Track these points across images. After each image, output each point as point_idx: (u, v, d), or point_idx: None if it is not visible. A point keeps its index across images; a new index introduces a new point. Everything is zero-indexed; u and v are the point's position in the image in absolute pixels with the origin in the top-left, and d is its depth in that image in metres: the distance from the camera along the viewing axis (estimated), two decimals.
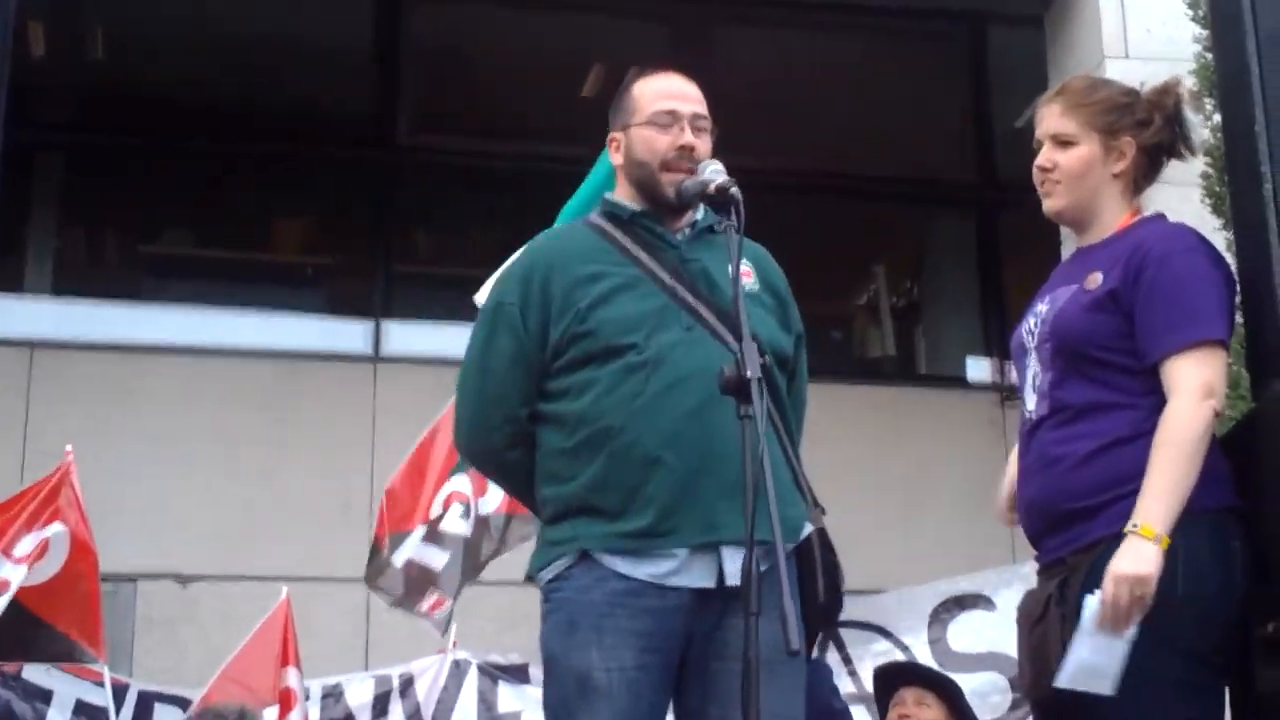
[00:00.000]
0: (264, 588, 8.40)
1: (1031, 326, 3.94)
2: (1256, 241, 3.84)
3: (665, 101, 4.01)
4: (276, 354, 10.87)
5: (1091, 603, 3.54)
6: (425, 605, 7.66)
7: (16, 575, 6.66)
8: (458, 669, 7.64)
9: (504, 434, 3.95)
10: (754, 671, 3.20)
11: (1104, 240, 3.94)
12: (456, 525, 7.54)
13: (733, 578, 3.70)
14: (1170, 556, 3.55)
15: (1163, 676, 3.61)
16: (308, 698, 7.56)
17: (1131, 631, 3.55)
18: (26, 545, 6.76)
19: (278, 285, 12.13)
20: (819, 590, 3.78)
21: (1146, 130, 3.95)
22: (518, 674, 7.70)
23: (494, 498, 7.46)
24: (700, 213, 3.98)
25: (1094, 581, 3.61)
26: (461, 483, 7.53)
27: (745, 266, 3.88)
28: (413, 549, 7.61)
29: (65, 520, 7.01)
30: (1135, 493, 3.61)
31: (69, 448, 7.38)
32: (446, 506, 7.58)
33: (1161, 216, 4.02)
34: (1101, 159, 3.93)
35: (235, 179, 12.09)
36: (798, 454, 3.93)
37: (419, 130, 11.94)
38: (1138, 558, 3.52)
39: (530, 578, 3.92)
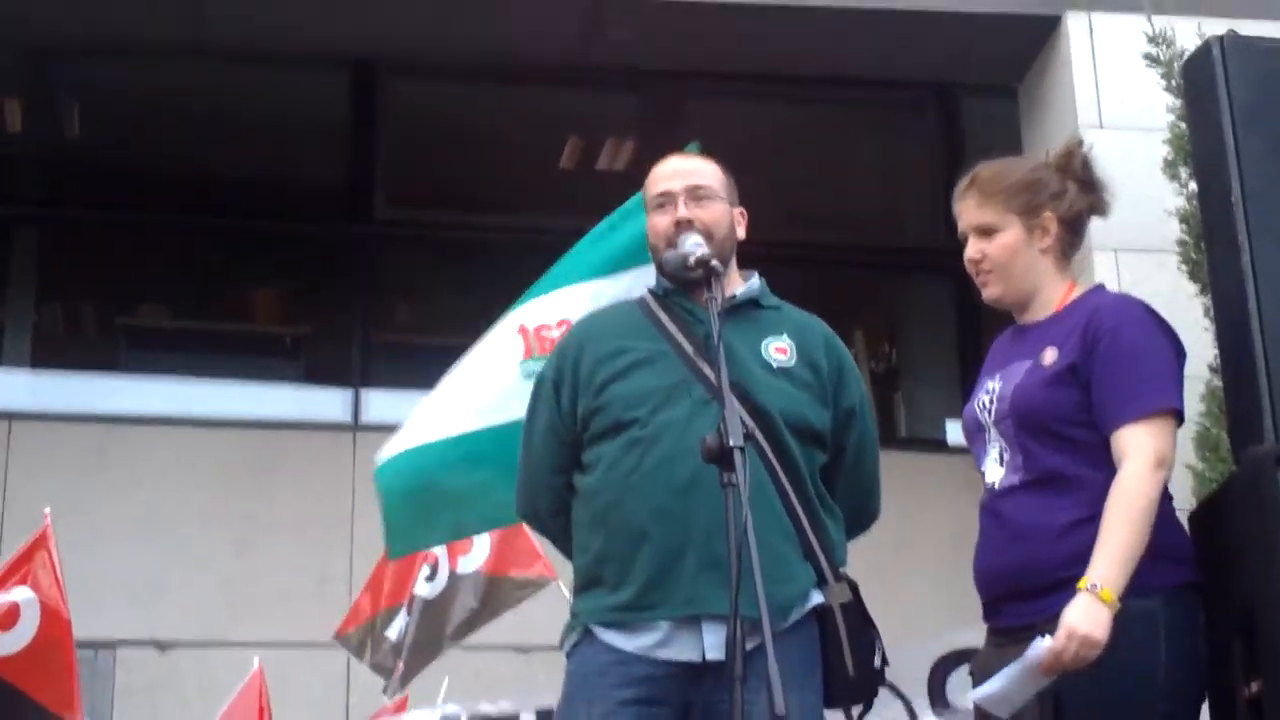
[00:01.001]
0: (243, 654, 8.37)
1: (985, 404, 3.98)
2: (1235, 310, 3.89)
3: (660, 184, 4.12)
4: (255, 423, 10.88)
5: (1040, 645, 3.58)
6: (396, 674, 7.69)
7: None
8: None
9: (546, 500, 4.08)
10: None
11: (1049, 316, 3.98)
12: (421, 588, 7.65)
13: (713, 651, 3.73)
14: (1153, 628, 3.64)
15: None
16: None
17: (1049, 680, 3.60)
18: None
19: (256, 355, 12.12)
20: (846, 664, 3.84)
21: (1063, 200, 3.99)
22: None
23: (477, 556, 7.48)
24: (741, 288, 4.04)
25: None
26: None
27: (782, 341, 4.00)
28: (401, 622, 7.65)
29: (37, 585, 7.01)
30: None
31: (47, 510, 7.36)
32: (418, 569, 7.63)
33: (1102, 287, 4.10)
34: (1026, 240, 3.98)
35: (212, 251, 12.11)
36: (821, 526, 3.93)
37: (396, 202, 11.95)
38: (1095, 621, 3.55)
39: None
